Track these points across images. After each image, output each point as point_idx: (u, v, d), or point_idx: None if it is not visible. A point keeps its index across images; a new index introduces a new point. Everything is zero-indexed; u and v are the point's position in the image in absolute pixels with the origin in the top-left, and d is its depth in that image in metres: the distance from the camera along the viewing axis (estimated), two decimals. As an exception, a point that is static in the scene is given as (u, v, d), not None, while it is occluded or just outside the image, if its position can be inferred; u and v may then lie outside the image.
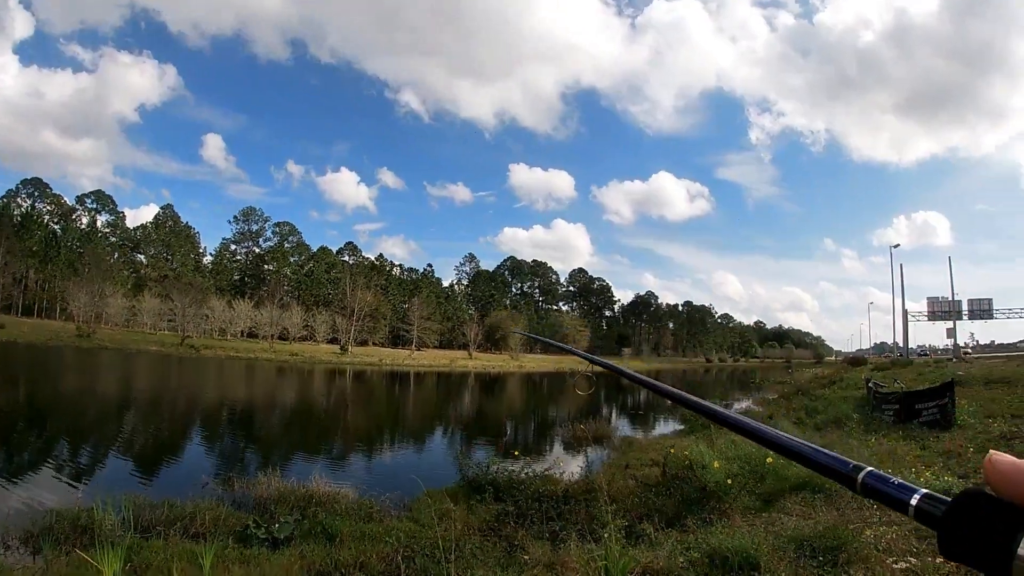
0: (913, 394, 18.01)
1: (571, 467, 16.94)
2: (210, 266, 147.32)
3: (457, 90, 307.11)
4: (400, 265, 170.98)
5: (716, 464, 11.24)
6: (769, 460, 12.42)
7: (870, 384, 27.55)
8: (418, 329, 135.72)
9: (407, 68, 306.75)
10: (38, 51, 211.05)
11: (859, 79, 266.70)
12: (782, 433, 0.93)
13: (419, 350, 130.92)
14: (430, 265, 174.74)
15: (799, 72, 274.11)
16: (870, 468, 0.78)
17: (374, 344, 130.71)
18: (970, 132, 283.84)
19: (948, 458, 11.99)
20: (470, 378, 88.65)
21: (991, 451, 0.71)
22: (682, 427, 27.38)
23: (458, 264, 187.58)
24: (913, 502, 0.69)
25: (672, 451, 13.62)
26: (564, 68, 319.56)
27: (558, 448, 26.57)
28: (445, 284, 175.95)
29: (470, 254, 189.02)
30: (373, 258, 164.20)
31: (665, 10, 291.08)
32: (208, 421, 31.62)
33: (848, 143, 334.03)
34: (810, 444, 0.87)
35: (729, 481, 10.64)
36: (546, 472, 15.09)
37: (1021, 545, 0.57)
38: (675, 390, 1.26)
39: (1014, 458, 0.68)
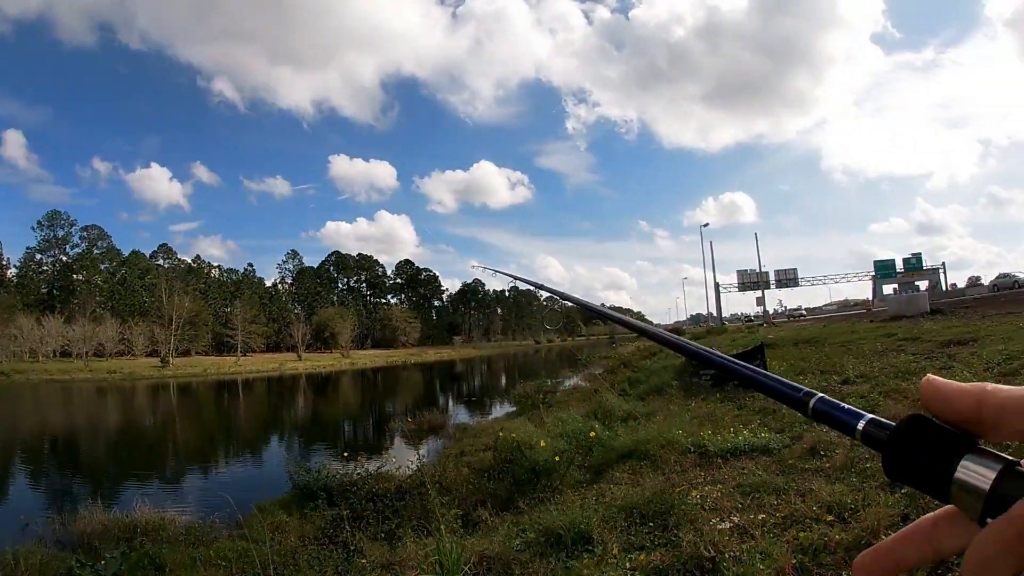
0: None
1: (406, 461, 16.43)
2: (15, 279, 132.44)
3: (275, 79, 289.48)
4: (219, 266, 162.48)
5: (543, 443, 11.05)
6: (593, 434, 12.47)
7: (686, 352, 28.60)
8: (243, 333, 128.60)
9: (222, 55, 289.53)
10: None
11: (670, 71, 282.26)
12: (744, 364, 0.90)
13: (245, 355, 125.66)
14: (251, 264, 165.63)
15: (614, 64, 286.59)
16: (821, 395, 0.74)
17: (197, 353, 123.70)
18: (774, 120, 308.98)
19: (764, 415, 12.34)
20: (301, 380, 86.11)
21: (928, 375, 0.67)
22: (513, 409, 27.42)
23: (280, 262, 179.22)
24: (860, 426, 0.68)
25: (502, 434, 13.37)
26: (385, 56, 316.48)
27: (394, 443, 26.06)
28: (268, 284, 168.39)
29: (292, 251, 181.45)
30: (190, 260, 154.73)
31: (486, 1, 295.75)
32: (25, 455, 29.31)
33: (659, 131, 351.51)
34: (766, 373, 0.84)
35: (557, 458, 10.48)
36: (380, 470, 14.58)
37: (958, 469, 0.58)
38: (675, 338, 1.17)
39: (952, 381, 0.65)
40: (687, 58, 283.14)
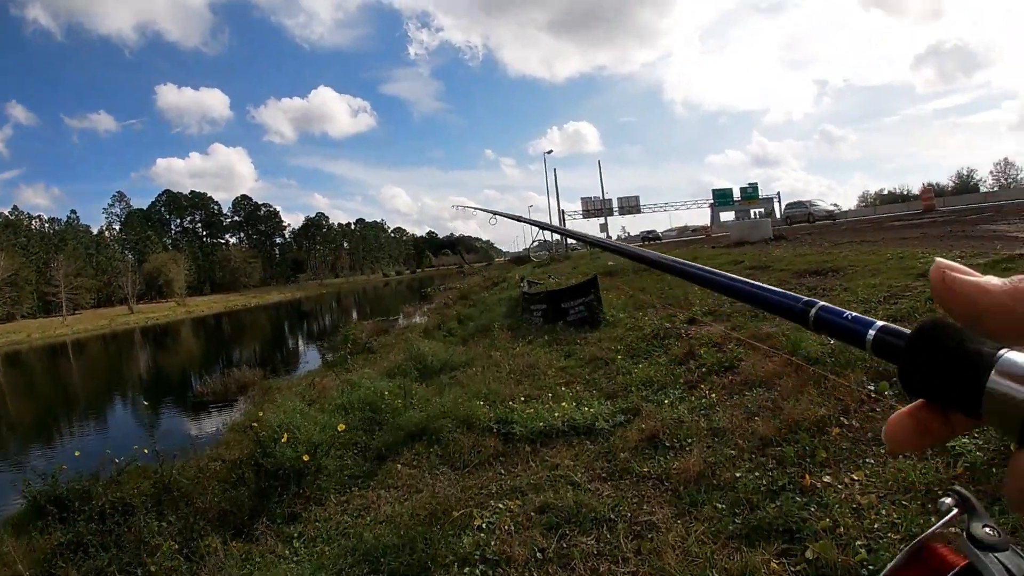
0: (557, 293, 16.38)
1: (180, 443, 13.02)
2: None
3: (94, 1, 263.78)
4: (39, 216, 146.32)
5: (285, 438, 8.02)
6: (383, 405, 9.75)
7: (522, 284, 26.37)
8: (67, 290, 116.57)
9: None
10: None
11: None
12: (736, 277, 0.87)
13: (74, 314, 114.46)
14: (74, 212, 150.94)
15: None
16: (822, 303, 0.70)
17: (24, 317, 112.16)
18: (620, 52, 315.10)
19: (594, 368, 9.89)
20: (135, 336, 78.90)
21: (938, 260, 0.57)
22: (332, 355, 24.19)
23: (107, 206, 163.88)
24: (870, 336, 0.60)
25: (261, 417, 10.16)
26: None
27: (178, 418, 22.37)
28: (96, 232, 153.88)
29: (119, 192, 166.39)
30: (7, 212, 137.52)
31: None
32: None
33: (504, 58, 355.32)
34: (762, 285, 0.80)
35: (306, 457, 7.50)
36: (134, 464, 10.90)
37: (990, 379, 0.48)
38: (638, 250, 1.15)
39: (969, 274, 0.55)
40: None
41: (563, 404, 7.85)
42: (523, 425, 7.45)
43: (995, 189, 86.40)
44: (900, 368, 0.54)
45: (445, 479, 6.71)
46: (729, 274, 0.88)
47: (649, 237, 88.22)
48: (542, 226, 2.60)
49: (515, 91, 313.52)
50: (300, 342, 49.45)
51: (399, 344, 21.52)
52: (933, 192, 49.11)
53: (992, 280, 0.53)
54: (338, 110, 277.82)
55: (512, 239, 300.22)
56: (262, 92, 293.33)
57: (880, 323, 0.59)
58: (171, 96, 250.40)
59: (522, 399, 8.60)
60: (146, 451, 10.09)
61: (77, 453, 10.43)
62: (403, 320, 39.93)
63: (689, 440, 6.12)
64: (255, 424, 8.91)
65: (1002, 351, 0.48)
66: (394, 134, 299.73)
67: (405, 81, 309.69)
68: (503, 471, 6.60)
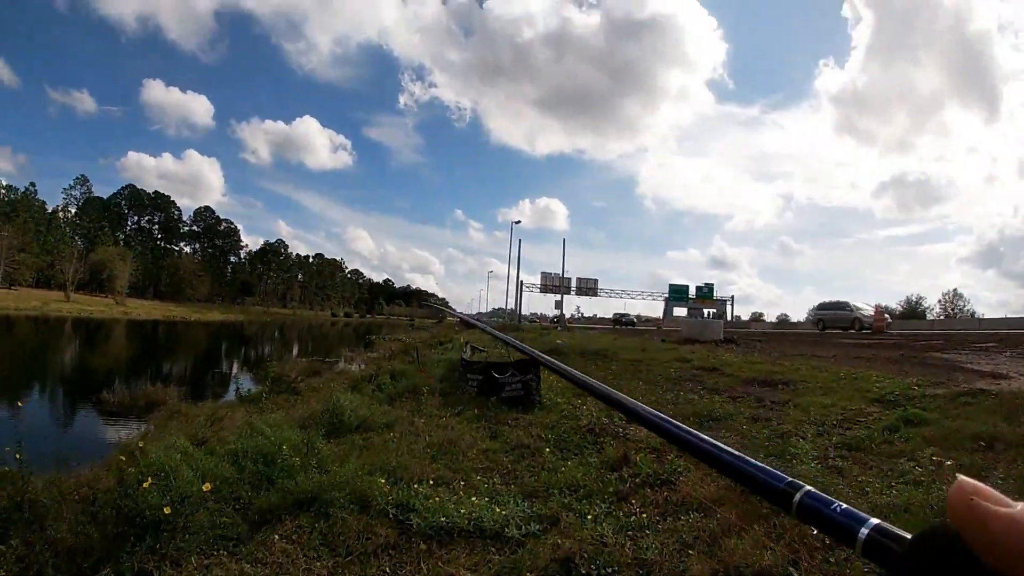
0: (496, 366, 15.43)
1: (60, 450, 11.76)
2: None
3: None
4: None
5: (148, 483, 6.91)
6: (278, 460, 8.69)
7: (465, 349, 25.48)
8: (6, 263, 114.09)
9: None
10: None
11: (512, 69, 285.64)
12: (706, 438, 0.81)
13: (9, 289, 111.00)
14: (33, 184, 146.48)
15: (459, 49, 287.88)
16: (809, 488, 0.63)
17: None
18: (600, 138, 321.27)
19: (519, 457, 8.94)
20: (68, 325, 76.88)
21: (961, 478, 0.49)
22: (254, 388, 22.87)
23: (67, 187, 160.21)
24: (862, 534, 0.54)
25: (140, 446, 8.98)
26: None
27: (73, 422, 21.07)
28: (51, 211, 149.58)
29: (82, 176, 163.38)
30: None
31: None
32: None
33: (490, 125, 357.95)
34: (744, 457, 0.71)
35: (167, 510, 6.41)
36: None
37: None
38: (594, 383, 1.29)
39: (1001, 504, 0.45)
40: (530, 61, 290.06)
41: (474, 498, 6.87)
42: (424, 516, 6.45)
43: (942, 318, 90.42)
44: None
45: (321, 566, 5.69)
46: (703, 435, 0.78)
47: (623, 321, 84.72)
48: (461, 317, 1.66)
49: (495, 158, 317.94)
50: (229, 367, 47.58)
51: (326, 389, 20.44)
52: (885, 314, 43.67)
53: None
54: (319, 142, 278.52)
55: (467, 300, 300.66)
56: (248, 109, 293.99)
57: (874, 521, 0.53)
58: (157, 92, 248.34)
59: (431, 481, 7.61)
60: (17, 456, 8.87)
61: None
62: (341, 363, 38.65)
63: (609, 571, 5.19)
64: (122, 458, 7.79)
65: None
66: (369, 177, 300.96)
67: (389, 127, 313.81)
68: (388, 570, 5.60)
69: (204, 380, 36.83)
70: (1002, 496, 0.44)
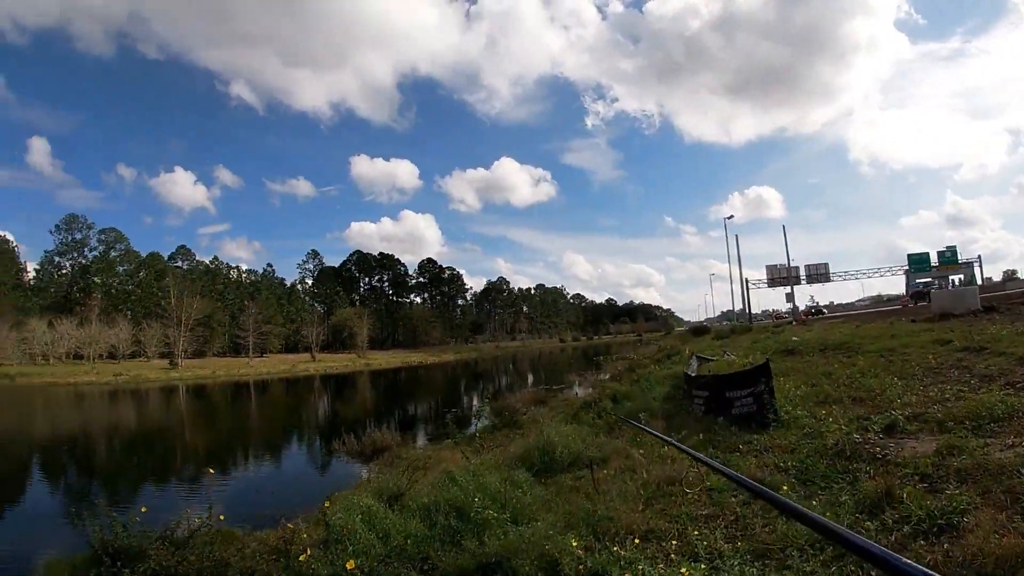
0: (723, 379, 13.37)
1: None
2: (31, 283, 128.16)
3: (291, 80, 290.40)
4: (238, 267, 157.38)
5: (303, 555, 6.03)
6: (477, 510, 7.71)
7: (691, 361, 23.57)
8: (254, 334, 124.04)
9: (237, 59, 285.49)
10: None
11: (688, 64, 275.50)
12: (844, 531, 0.89)
13: (261, 356, 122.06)
14: (270, 265, 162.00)
15: (630, 58, 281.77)
16: None
17: (214, 355, 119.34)
18: (798, 112, 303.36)
19: (751, 496, 7.22)
20: (315, 382, 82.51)
21: None
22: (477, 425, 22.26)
23: (300, 262, 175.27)
24: None
25: (326, 508, 8.14)
26: (400, 56, 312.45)
27: (308, 470, 21.52)
28: (289, 285, 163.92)
29: (313, 251, 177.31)
30: (207, 261, 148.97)
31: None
32: None
33: (680, 124, 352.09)
34: (881, 548, 0.76)
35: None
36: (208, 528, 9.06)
37: None
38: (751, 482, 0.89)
39: None
40: (704, 50, 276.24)
41: (684, 569, 5.32)
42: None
43: None
44: None
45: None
46: (842, 529, 0.69)
47: (922, 293, 68.52)
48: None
49: (692, 157, 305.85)
50: (459, 404, 48.26)
51: (547, 419, 19.49)
52: None
53: None
54: (519, 180, 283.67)
55: (693, 307, 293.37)
56: (448, 163, 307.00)
57: None
58: (363, 166, 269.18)
59: (637, 540, 6.17)
60: (221, 517, 8.55)
61: (144, 509, 8.81)
62: (572, 389, 37.77)
63: None
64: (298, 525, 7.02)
65: None
66: (572, 202, 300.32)
67: (584, 151, 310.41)
68: None
69: (433, 418, 37.31)
70: None
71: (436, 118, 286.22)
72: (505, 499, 8.47)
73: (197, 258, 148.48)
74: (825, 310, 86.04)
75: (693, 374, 17.66)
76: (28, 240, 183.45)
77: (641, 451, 10.86)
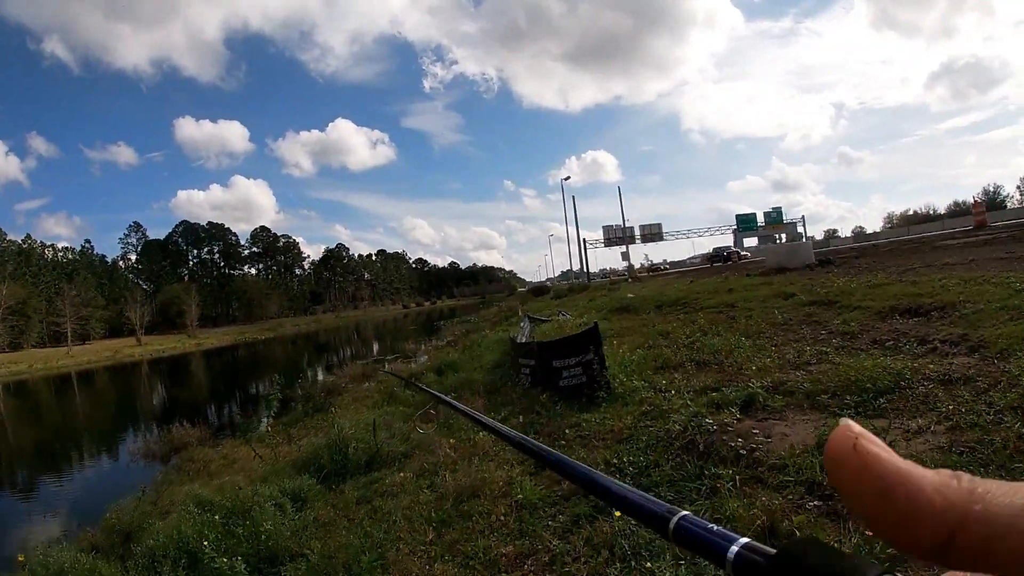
0: (548, 346, 11.36)
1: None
2: None
3: (111, 35, 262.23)
4: (53, 245, 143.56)
5: None
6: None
7: (523, 323, 21.80)
8: (74, 320, 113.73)
9: (56, 11, 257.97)
10: None
11: (529, 29, 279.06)
12: (594, 471, 0.82)
13: (83, 344, 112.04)
14: (88, 242, 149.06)
15: (472, 20, 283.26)
16: (685, 512, 0.63)
17: (33, 346, 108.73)
18: (634, 82, 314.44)
19: (574, 520, 5.27)
20: (143, 369, 75.95)
21: (846, 423, 0.41)
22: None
23: (122, 236, 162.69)
24: (731, 553, 0.53)
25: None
26: (230, 10, 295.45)
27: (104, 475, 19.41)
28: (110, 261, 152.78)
29: (135, 223, 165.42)
30: (19, 241, 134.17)
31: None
32: None
33: (520, 90, 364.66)
34: (624, 486, 0.73)
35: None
36: None
37: None
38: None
39: (892, 460, 0.38)
40: (547, 17, 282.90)
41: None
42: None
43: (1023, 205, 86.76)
44: None
45: None
46: (596, 471, 0.79)
47: (721, 256, 75.73)
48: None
49: (532, 122, 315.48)
50: (297, 381, 45.46)
51: (363, 402, 17.35)
52: (985, 207, 46.03)
53: (934, 476, 0.36)
54: (357, 142, 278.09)
55: (535, 269, 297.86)
56: (280, 125, 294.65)
57: (743, 539, 0.52)
58: (190, 129, 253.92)
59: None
60: None
61: None
62: (412, 359, 35.70)
63: None
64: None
65: None
66: (414, 166, 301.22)
67: (423, 114, 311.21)
68: None
69: (248, 402, 34.56)
70: (884, 444, 0.39)
71: (268, 77, 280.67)
72: (256, 530, 6.30)
73: (8, 237, 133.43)
74: (668, 266, 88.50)
75: (525, 339, 15.73)
76: None
77: (452, 440, 8.76)
